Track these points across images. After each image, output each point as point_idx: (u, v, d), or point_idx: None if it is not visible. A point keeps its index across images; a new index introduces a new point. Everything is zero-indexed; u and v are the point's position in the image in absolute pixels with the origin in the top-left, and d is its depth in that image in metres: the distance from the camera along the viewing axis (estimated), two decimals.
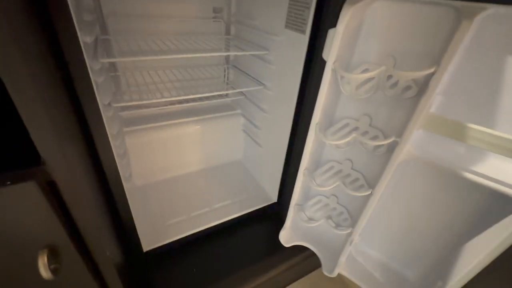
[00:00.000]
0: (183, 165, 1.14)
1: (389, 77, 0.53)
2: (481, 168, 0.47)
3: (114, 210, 0.70)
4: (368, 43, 0.57)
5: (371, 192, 0.59)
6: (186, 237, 0.88)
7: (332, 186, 0.68)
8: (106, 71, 0.76)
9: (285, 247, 0.86)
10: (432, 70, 0.43)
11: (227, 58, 1.11)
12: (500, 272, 0.49)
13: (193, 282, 0.80)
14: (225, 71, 1.10)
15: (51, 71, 0.41)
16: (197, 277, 0.81)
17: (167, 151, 1.06)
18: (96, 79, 0.55)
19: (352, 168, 0.72)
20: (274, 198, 1.04)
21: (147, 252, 0.82)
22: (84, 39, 0.48)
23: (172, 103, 1.04)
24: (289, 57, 0.78)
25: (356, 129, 0.65)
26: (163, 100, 0.81)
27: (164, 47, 0.89)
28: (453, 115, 0.50)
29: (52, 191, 0.36)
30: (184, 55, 0.76)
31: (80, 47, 0.44)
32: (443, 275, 0.58)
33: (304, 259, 0.89)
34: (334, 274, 0.74)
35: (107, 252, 0.51)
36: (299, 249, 0.87)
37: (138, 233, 0.78)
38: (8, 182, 0.32)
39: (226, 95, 1.18)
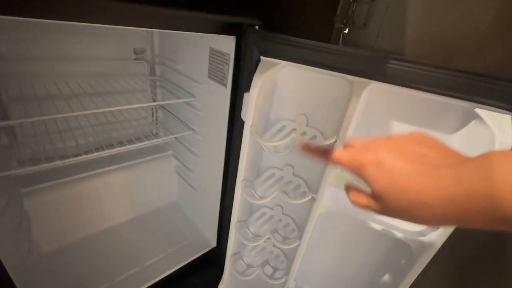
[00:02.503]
0: (107, 218, 1.00)
1: (303, 134, 0.57)
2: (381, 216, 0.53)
3: None
4: (283, 103, 0.61)
5: (298, 243, 0.61)
6: None
7: (265, 238, 0.68)
8: None
9: None
10: (333, 140, 0.48)
11: (154, 99, 1.05)
12: None
13: None
14: (153, 114, 1.04)
15: None
16: None
17: (84, 206, 0.92)
18: None
19: (282, 213, 0.74)
20: (213, 242, 0.99)
21: None
22: None
23: (89, 151, 0.92)
24: (214, 106, 0.77)
25: (281, 178, 0.67)
26: (72, 159, 0.70)
27: (74, 91, 0.79)
28: None
29: None
30: (100, 110, 0.69)
31: None
32: None
33: None
34: None
35: None
36: None
37: None
38: None
39: (156, 135, 1.11)
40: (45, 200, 0.82)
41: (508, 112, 0.42)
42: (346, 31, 0.57)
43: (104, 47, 0.86)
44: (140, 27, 0.48)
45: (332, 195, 0.55)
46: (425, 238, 0.48)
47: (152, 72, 0.99)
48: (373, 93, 0.53)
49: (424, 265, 0.50)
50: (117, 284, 0.82)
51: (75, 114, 0.64)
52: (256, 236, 0.70)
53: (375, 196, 0.26)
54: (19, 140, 0.80)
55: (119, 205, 1.02)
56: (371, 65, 0.47)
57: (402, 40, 0.55)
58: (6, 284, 0.55)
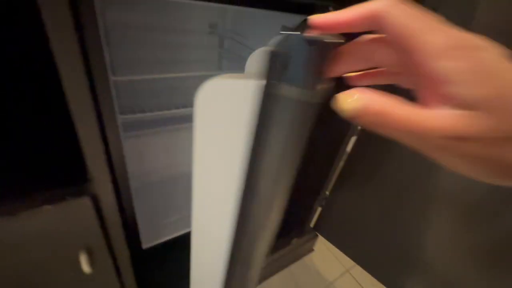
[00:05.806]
0: (184, 164, 1.19)
1: None
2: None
3: (121, 208, 0.76)
4: None
5: None
6: (188, 232, 0.96)
7: None
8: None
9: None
10: None
11: (220, 68, 1.18)
12: None
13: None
14: None
15: None
16: None
17: (166, 154, 1.12)
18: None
19: None
20: None
21: (146, 249, 0.89)
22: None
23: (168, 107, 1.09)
24: None
25: None
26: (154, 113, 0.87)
27: (163, 56, 0.95)
28: None
29: (95, 203, 0.44)
30: (177, 74, 0.84)
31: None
32: None
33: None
34: None
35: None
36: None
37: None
38: (67, 197, 0.40)
39: None
40: (135, 146, 1.04)
41: None
42: None
43: (187, 21, 1.00)
44: (221, 3, 0.59)
45: None
46: None
47: (221, 45, 1.12)
48: None
49: None
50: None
51: (158, 76, 0.80)
52: None
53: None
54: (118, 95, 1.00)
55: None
56: None
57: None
58: (128, 198, 0.75)
